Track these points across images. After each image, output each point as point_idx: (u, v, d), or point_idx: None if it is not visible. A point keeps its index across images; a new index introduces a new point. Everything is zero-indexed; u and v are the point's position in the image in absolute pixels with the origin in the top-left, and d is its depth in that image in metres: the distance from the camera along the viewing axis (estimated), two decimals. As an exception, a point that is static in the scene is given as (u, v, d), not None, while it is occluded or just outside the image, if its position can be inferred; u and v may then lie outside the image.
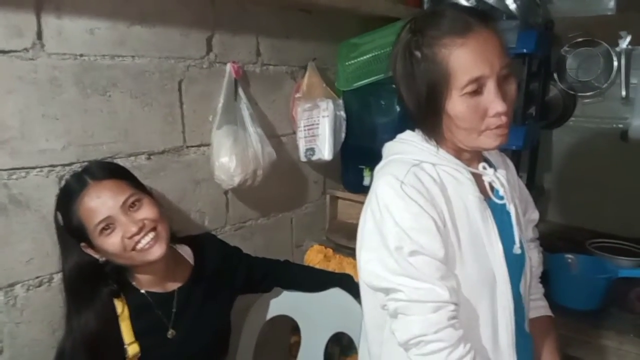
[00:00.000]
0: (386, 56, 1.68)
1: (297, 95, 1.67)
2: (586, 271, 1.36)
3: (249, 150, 1.38)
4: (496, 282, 0.92)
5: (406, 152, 0.94)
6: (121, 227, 1.03)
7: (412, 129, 0.98)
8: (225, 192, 1.51)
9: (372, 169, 1.79)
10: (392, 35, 1.68)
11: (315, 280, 1.46)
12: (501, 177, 0.98)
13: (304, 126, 1.66)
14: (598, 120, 1.97)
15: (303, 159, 1.67)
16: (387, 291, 0.87)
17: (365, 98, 1.74)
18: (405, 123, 1.69)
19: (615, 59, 1.85)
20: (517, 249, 0.96)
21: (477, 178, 0.96)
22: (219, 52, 1.42)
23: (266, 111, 1.59)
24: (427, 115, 0.89)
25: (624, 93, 1.86)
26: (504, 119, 0.85)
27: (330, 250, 1.75)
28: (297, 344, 1.51)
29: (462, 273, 0.88)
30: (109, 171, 1.09)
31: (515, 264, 0.96)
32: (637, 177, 1.91)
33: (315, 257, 1.73)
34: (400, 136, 1.00)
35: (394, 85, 1.61)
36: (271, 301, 1.47)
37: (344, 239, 1.78)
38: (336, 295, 1.42)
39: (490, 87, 0.84)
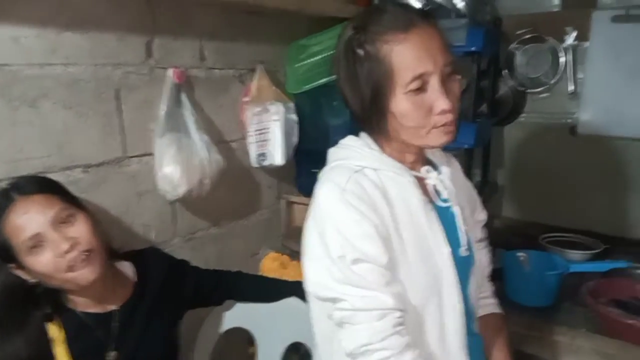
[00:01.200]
0: (336, 57, 1.67)
1: (246, 99, 1.62)
2: (538, 268, 1.37)
3: (194, 158, 1.33)
4: (443, 286, 0.91)
5: (349, 158, 0.93)
6: (51, 244, 0.96)
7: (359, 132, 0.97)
8: (172, 203, 1.45)
9: (326, 172, 1.77)
10: (340, 36, 1.68)
11: (269, 290, 1.42)
12: (445, 178, 0.97)
13: (255, 131, 1.61)
14: (548, 115, 1.99)
15: (255, 164, 1.63)
16: (333, 300, 0.85)
17: (317, 100, 1.71)
18: (358, 125, 1.68)
19: (562, 54, 1.88)
20: (464, 251, 0.96)
21: (421, 181, 0.95)
22: (159, 57, 1.37)
23: (213, 116, 1.54)
24: (372, 116, 0.88)
25: (571, 88, 1.90)
26: (449, 116, 0.85)
27: (287, 257, 1.71)
28: (254, 355, 1.47)
29: (407, 278, 0.87)
30: (38, 185, 1.02)
31: (463, 266, 0.96)
32: (586, 170, 1.94)
33: (272, 264, 1.69)
34: (342, 142, 0.98)
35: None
36: (225, 313, 1.42)
37: (300, 244, 1.74)
38: (291, 304, 1.39)
39: (434, 84, 0.83)
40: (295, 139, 1.70)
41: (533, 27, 1.91)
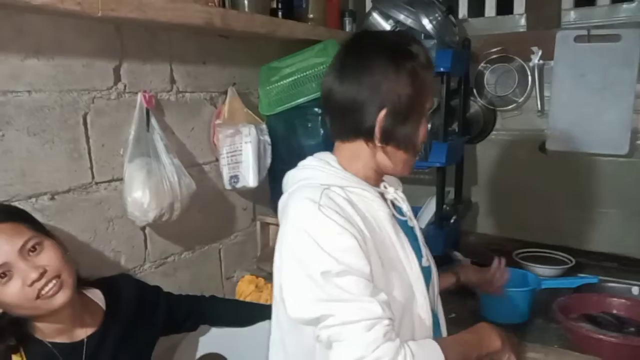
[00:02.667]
0: (309, 79, 1.68)
1: (218, 121, 1.62)
2: (511, 285, 1.38)
3: (164, 182, 1.32)
4: (415, 298, 0.93)
5: (313, 177, 0.94)
6: (20, 273, 0.94)
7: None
8: (143, 228, 1.43)
9: (300, 193, 1.77)
10: (314, 58, 1.70)
11: (244, 314, 1.41)
12: (400, 194, 1.01)
13: (227, 153, 1.61)
14: (517, 132, 2.03)
15: (228, 186, 1.62)
16: (317, 321, 0.83)
17: (290, 121, 1.72)
18: (332, 144, 1.69)
19: (529, 73, 1.92)
20: (425, 261, 0.99)
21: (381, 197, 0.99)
22: (128, 82, 1.36)
23: (184, 140, 1.53)
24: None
25: (539, 106, 1.94)
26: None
27: (262, 280, 1.69)
28: (229, 381, 1.44)
29: (386, 291, 0.87)
30: (4, 214, 1.00)
31: (426, 277, 0.98)
32: (556, 185, 1.98)
33: (247, 288, 1.67)
34: (302, 163, 1.01)
35: (316, 109, 1.66)
36: (199, 339, 1.40)
37: (275, 267, 1.73)
38: (267, 328, 1.36)
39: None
40: (268, 161, 1.69)
41: (501, 47, 1.95)
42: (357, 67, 0.90)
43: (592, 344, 1.22)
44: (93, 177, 1.29)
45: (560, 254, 1.80)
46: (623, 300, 1.43)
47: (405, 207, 1.01)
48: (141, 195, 1.27)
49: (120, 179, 1.33)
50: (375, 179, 0.99)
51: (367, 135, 0.92)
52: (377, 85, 0.88)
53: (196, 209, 1.46)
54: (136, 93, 1.36)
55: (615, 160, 1.83)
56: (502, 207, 2.13)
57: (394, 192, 0.99)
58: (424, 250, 1.01)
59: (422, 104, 0.93)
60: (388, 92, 0.88)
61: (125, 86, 1.35)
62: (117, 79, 1.33)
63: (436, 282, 1.06)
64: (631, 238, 1.84)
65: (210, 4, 1.39)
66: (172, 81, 1.49)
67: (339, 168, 0.94)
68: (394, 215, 0.97)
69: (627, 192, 1.84)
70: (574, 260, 1.75)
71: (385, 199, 0.98)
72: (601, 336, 1.22)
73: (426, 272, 0.99)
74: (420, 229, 1.07)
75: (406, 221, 1.01)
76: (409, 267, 0.94)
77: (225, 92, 1.65)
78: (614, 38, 1.75)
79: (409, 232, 1.00)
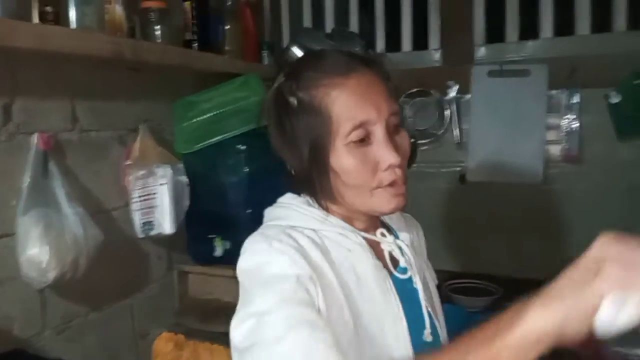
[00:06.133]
0: (230, 114, 1.58)
1: (128, 162, 1.46)
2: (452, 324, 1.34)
3: (66, 235, 1.14)
4: None
5: (284, 218, 0.78)
6: None
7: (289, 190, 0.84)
8: (41, 290, 1.23)
9: (223, 238, 1.63)
10: (234, 92, 1.60)
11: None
12: (403, 245, 0.84)
13: (139, 197, 1.45)
14: (438, 165, 2.05)
15: (140, 234, 1.46)
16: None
17: (209, 159, 1.60)
18: (258, 182, 1.58)
19: (446, 107, 1.95)
20: (427, 335, 0.80)
21: (377, 246, 0.82)
22: (21, 122, 1.18)
23: (89, 184, 1.36)
24: (312, 174, 0.75)
25: (457, 139, 1.97)
26: (398, 171, 0.74)
27: (182, 337, 1.52)
28: None
29: None
30: None
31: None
32: (477, 215, 2.01)
33: (165, 347, 1.50)
34: (280, 200, 0.84)
35: (239, 146, 1.56)
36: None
37: (197, 321, 1.57)
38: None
39: (380, 136, 0.73)
40: (186, 203, 1.55)
41: (419, 82, 1.97)
42: None
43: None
44: (-23, 234, 1.09)
45: (489, 284, 1.81)
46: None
47: (404, 261, 0.82)
48: (38, 253, 1.09)
49: (12, 235, 1.13)
50: (364, 226, 0.82)
51: None
52: None
53: (104, 262, 1.28)
54: (31, 134, 1.19)
55: (531, 188, 1.89)
56: (429, 239, 2.12)
57: (394, 241, 0.83)
58: (428, 321, 0.80)
59: None
60: None
61: (18, 126, 1.17)
62: (8, 118, 1.15)
63: None
64: (552, 263, 1.89)
65: (118, 34, 1.26)
66: (74, 119, 1.32)
67: (317, 207, 0.79)
68: (385, 267, 0.80)
69: (543, 219, 1.91)
70: (501, 290, 1.76)
71: (377, 250, 0.81)
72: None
73: (427, 349, 0.76)
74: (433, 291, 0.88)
75: (409, 279, 0.82)
76: (395, 337, 0.75)
77: (136, 130, 1.50)
78: (523, 73, 1.83)
79: (408, 294, 0.80)
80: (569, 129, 1.81)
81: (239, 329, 0.68)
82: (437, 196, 2.06)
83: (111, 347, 1.43)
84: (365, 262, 0.77)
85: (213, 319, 1.57)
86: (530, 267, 1.93)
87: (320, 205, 0.80)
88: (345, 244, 0.77)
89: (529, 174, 1.86)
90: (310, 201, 0.80)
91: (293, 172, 0.79)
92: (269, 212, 0.83)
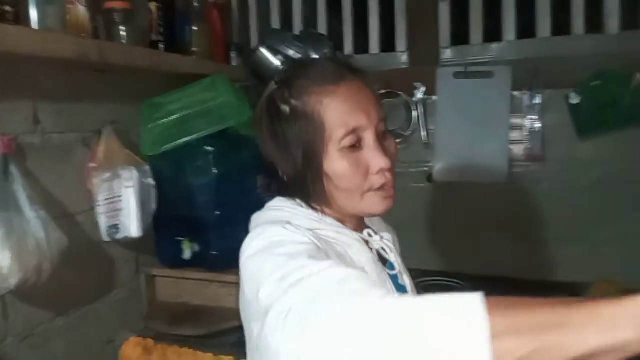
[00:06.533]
0: (197, 115, 1.57)
1: (93, 164, 1.43)
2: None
3: (28, 240, 1.11)
4: None
5: (279, 219, 0.80)
6: None
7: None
8: (2, 296, 1.19)
9: (191, 240, 1.62)
10: (201, 93, 1.59)
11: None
12: (389, 244, 0.88)
13: (104, 200, 1.42)
14: (406, 165, 2.07)
15: (106, 238, 1.43)
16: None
17: (176, 161, 1.58)
18: (227, 184, 1.57)
19: (414, 108, 1.98)
20: None
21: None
22: (-21, 124, 1.15)
23: (52, 188, 1.33)
24: (305, 179, 0.78)
25: (425, 139, 2.00)
26: (388, 176, 0.78)
27: (151, 341, 1.50)
28: None
29: None
30: None
31: None
32: (446, 213, 2.04)
33: (133, 352, 1.47)
34: (270, 204, 0.85)
35: (207, 147, 1.55)
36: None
37: (165, 324, 1.55)
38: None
39: (370, 141, 0.77)
40: (153, 206, 1.53)
41: (386, 83, 1.99)
42: None
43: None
44: None
45: (459, 282, 1.84)
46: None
47: (394, 259, 0.87)
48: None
49: (-30, 240, 1.09)
50: (355, 225, 0.85)
51: None
52: None
53: (69, 266, 1.25)
54: (-9, 136, 1.15)
55: (497, 187, 1.93)
56: (402, 239, 2.15)
57: (380, 241, 0.86)
58: None
59: None
60: None
61: (-25, 129, 1.14)
62: (-36, 120, 1.12)
63: None
64: (519, 260, 1.94)
65: (82, 34, 1.23)
66: (36, 121, 1.29)
67: (309, 209, 0.81)
68: (382, 265, 0.84)
69: (509, 217, 1.95)
70: (469, 287, 1.79)
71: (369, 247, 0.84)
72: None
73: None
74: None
75: (397, 276, 0.86)
76: None
77: (101, 132, 1.47)
78: (488, 74, 1.87)
79: (400, 290, 0.85)
80: (532, 129, 1.86)
81: (276, 295, 0.62)
82: (406, 196, 2.09)
83: (78, 353, 1.40)
84: (365, 255, 0.81)
85: (182, 322, 1.55)
86: (497, 265, 1.97)
87: (312, 208, 0.82)
88: (343, 239, 0.80)
89: (494, 174, 1.90)
90: (302, 204, 0.82)
91: (285, 177, 0.81)
92: (260, 216, 0.84)
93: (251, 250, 0.72)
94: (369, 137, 0.77)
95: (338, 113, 0.75)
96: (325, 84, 0.76)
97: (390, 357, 0.48)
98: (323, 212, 0.82)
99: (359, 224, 0.87)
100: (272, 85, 0.81)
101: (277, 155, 0.80)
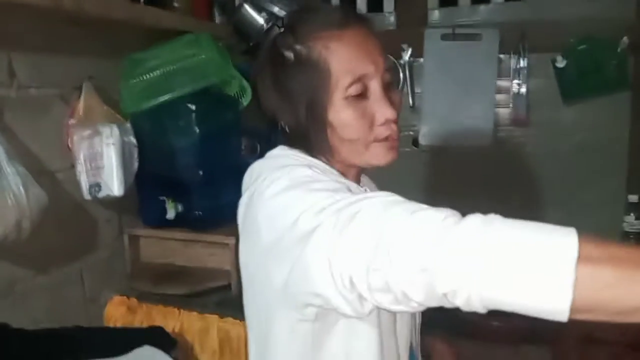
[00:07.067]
0: (179, 71, 1.52)
1: (72, 121, 1.39)
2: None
3: (6, 196, 1.08)
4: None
5: (292, 163, 0.77)
6: None
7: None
8: (-20, 253, 1.17)
9: (175, 200, 1.60)
10: (183, 49, 1.54)
11: (116, 343, 1.23)
12: None
13: (85, 157, 1.38)
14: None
15: (87, 196, 1.40)
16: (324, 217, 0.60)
17: (158, 119, 1.54)
18: (209, 143, 1.54)
19: (400, 70, 1.96)
20: None
21: None
22: (-49, 74, 1.10)
23: (31, 144, 1.29)
24: (309, 130, 0.75)
25: (411, 102, 1.99)
26: (393, 127, 0.76)
27: (135, 300, 1.50)
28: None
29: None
30: None
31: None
32: (431, 178, 2.05)
33: (117, 310, 1.47)
34: (273, 153, 0.82)
35: (190, 105, 1.51)
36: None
37: (150, 283, 1.55)
38: (145, 355, 1.20)
39: (376, 91, 0.74)
40: (135, 165, 1.50)
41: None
42: None
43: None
44: None
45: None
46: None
47: None
48: (-24, 214, 1.03)
49: (-54, 195, 1.06)
50: (353, 175, 0.83)
51: None
52: None
53: (50, 224, 1.22)
54: (-37, 88, 1.11)
55: (482, 150, 1.93)
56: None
57: None
58: None
59: None
60: None
61: (-54, 79, 1.09)
62: None
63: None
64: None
65: (58, -19, 1.18)
66: (11, 73, 1.24)
67: (314, 159, 0.78)
68: None
69: (494, 181, 1.97)
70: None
71: None
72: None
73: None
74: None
75: None
76: None
77: (80, 88, 1.42)
78: (476, 37, 1.86)
79: None
80: (517, 93, 1.86)
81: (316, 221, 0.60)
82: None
83: (61, 312, 1.38)
84: None
85: (166, 282, 1.55)
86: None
87: (316, 159, 0.80)
88: (351, 188, 0.75)
89: (479, 137, 1.91)
90: (306, 154, 0.80)
91: (287, 128, 0.78)
92: (265, 164, 0.79)
93: (276, 188, 0.68)
94: (375, 86, 0.74)
95: (345, 59, 0.73)
96: (331, 28, 0.73)
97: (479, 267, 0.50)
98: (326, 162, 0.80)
99: (357, 179, 0.85)
100: (275, 31, 0.77)
101: (279, 105, 0.78)
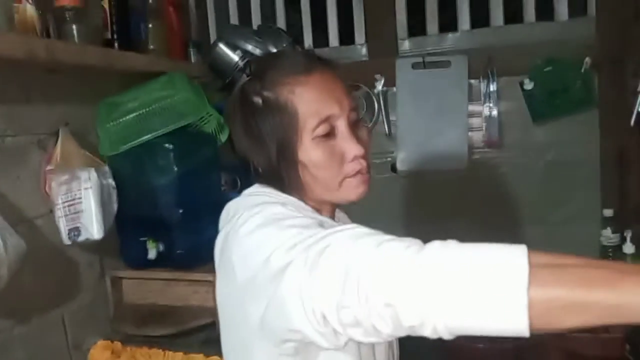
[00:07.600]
0: (155, 113, 1.54)
1: (49, 167, 1.40)
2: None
3: (-17, 247, 1.08)
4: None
5: (268, 201, 0.79)
6: None
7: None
8: (-42, 305, 1.16)
9: (156, 239, 1.60)
10: (157, 91, 1.57)
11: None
12: None
13: (63, 202, 1.39)
14: (371, 155, 2.09)
15: (67, 241, 1.39)
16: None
17: (137, 160, 1.55)
18: (188, 181, 1.56)
19: (375, 99, 2.00)
20: None
21: None
22: None
23: (8, 192, 1.29)
24: (281, 171, 0.78)
25: (387, 130, 2.03)
26: (362, 162, 0.80)
27: (119, 344, 1.48)
28: None
29: None
30: None
31: None
32: (411, 201, 2.08)
33: (101, 355, 1.45)
34: (249, 191, 0.85)
35: (167, 145, 1.53)
36: None
37: (133, 325, 1.53)
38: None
39: (343, 129, 0.78)
40: (114, 206, 1.50)
41: (347, 76, 1.99)
42: None
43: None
44: None
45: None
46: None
47: None
48: (-48, 267, 1.03)
49: None
50: (328, 211, 0.86)
51: None
52: None
53: (29, 272, 1.22)
54: (-62, 141, 1.11)
55: (457, 174, 1.97)
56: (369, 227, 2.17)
57: None
58: None
59: None
60: None
61: None
62: None
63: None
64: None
65: (31, 34, 1.20)
66: (-13, 124, 1.25)
67: (288, 196, 0.81)
68: None
69: (471, 203, 2.00)
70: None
71: None
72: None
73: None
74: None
75: None
76: None
77: (57, 134, 1.44)
78: (445, 64, 1.91)
79: None
80: (489, 116, 1.91)
81: (286, 261, 0.63)
82: (371, 186, 2.11)
83: (42, 361, 1.36)
84: None
85: (150, 323, 1.53)
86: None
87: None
88: (325, 223, 0.78)
89: (455, 161, 1.94)
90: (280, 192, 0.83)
91: (260, 169, 0.81)
92: (242, 202, 0.81)
93: (249, 226, 0.71)
94: (341, 125, 0.78)
95: (310, 102, 0.76)
96: (296, 74, 0.77)
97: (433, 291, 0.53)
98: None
99: (332, 214, 0.88)
100: (244, 78, 0.81)
101: (251, 148, 0.81)
